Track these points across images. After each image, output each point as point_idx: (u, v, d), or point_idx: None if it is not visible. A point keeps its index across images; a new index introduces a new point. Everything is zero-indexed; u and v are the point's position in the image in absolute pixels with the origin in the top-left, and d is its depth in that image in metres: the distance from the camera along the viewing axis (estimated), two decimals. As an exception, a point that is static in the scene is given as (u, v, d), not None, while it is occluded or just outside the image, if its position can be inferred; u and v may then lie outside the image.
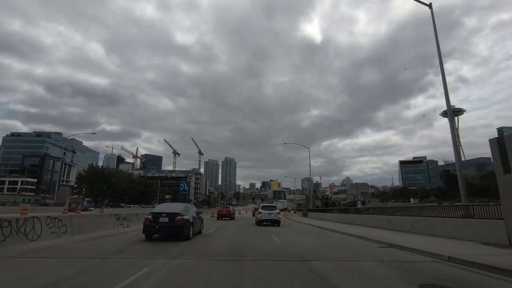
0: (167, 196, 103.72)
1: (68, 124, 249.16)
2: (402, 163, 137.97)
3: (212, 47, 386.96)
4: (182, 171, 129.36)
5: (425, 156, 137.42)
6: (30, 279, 4.68)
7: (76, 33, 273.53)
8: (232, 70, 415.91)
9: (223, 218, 28.67)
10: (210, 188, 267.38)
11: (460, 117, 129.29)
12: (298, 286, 4.51)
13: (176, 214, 9.65)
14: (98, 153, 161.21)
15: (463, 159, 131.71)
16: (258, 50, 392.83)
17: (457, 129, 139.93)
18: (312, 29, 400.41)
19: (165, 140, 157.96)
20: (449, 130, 13.51)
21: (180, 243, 9.19)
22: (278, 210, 21.18)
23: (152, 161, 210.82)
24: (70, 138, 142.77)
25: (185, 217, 9.80)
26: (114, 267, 5.69)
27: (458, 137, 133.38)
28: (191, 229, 10.15)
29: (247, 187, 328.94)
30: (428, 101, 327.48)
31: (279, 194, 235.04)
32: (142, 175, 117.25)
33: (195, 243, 9.58)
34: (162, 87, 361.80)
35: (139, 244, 9.04)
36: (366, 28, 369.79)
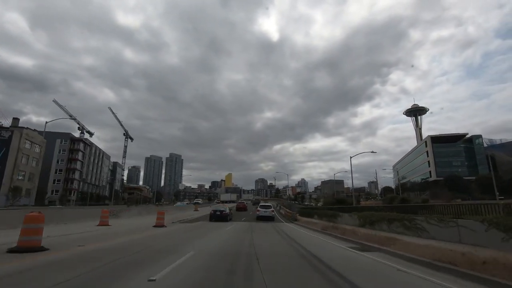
0: None
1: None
2: (434, 140, 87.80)
3: (161, 34, 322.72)
4: None
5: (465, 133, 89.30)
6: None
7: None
8: (183, 62, 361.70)
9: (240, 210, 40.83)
10: (140, 185, 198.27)
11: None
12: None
13: (223, 210, 22.94)
14: None
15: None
16: (212, 42, 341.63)
17: (420, 128, 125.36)
18: (269, 25, 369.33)
19: (55, 100, 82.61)
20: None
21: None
22: (272, 209, 27.43)
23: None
24: None
25: (226, 211, 23.22)
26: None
27: (421, 137, 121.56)
28: (228, 217, 23.21)
29: (196, 188, 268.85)
30: (374, 110, 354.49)
31: (234, 192, 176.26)
32: None
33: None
34: (103, 74, 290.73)
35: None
36: (321, 30, 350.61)
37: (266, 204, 30.03)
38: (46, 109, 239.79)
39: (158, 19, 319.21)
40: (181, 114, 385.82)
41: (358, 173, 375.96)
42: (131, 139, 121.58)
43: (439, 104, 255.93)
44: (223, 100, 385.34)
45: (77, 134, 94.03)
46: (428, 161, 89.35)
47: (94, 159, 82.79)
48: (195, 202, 58.27)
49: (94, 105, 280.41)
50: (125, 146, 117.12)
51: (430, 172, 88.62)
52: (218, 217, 21.86)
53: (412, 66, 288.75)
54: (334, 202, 38.95)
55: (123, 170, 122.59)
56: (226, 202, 58.62)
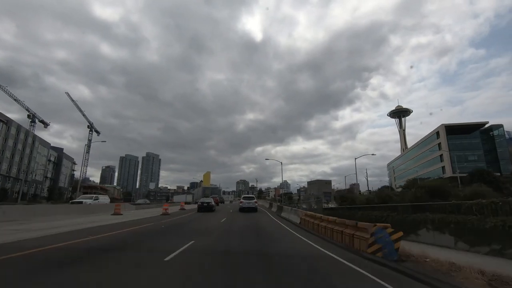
0: None
1: None
2: (448, 130, 73.62)
3: (141, 29, 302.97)
4: None
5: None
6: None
7: None
8: (164, 59, 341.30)
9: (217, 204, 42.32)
10: (114, 185, 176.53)
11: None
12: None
13: (209, 202, 28.06)
14: None
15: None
16: (194, 39, 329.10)
17: (404, 130, 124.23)
18: (253, 24, 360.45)
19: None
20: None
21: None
22: (255, 200, 29.64)
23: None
24: None
25: (212, 203, 28.44)
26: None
27: (405, 139, 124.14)
28: (213, 207, 28.78)
29: (174, 188, 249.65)
30: (354, 114, 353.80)
31: (212, 192, 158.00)
32: None
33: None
34: (77, 70, 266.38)
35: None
36: (305, 32, 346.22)
37: (249, 195, 33.95)
38: (15, 104, 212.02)
39: (138, 13, 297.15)
40: (161, 114, 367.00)
41: (337, 176, 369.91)
42: (97, 132, 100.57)
43: (417, 109, 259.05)
44: (205, 100, 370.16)
45: (27, 123, 72.02)
46: (440, 155, 75.34)
47: (17, 144, 61.53)
48: (94, 198, 37.35)
49: (68, 102, 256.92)
50: (89, 140, 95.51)
51: (443, 167, 74.56)
52: (205, 208, 27.08)
53: (411, 67, 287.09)
54: (417, 197, 14.92)
55: (75, 164, 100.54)
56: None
